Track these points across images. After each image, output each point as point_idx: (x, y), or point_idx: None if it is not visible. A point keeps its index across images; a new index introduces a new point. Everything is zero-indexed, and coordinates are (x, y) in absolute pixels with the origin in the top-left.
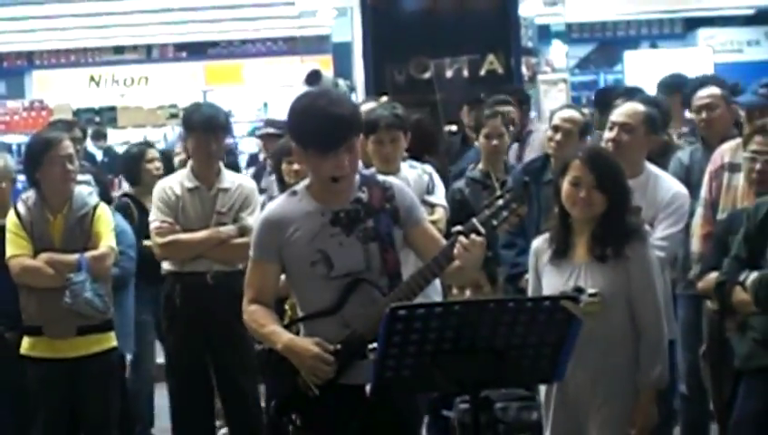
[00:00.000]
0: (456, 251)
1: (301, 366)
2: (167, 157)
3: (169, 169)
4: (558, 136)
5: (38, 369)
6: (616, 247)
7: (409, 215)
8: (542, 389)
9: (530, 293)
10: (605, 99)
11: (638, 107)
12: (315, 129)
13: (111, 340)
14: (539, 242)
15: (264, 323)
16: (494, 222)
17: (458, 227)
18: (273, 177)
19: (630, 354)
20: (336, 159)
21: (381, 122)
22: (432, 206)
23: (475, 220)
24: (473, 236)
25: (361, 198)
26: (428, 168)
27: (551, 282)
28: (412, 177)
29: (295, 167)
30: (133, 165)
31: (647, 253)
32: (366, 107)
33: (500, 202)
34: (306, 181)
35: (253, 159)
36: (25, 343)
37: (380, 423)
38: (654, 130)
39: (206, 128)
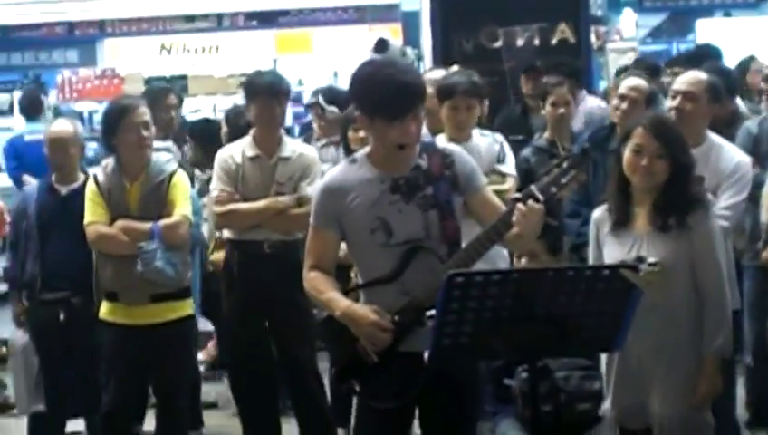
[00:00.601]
0: (514, 218)
1: (359, 333)
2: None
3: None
4: (624, 105)
5: (113, 334)
6: (678, 217)
7: (469, 182)
8: (604, 358)
9: (591, 263)
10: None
11: (701, 75)
12: (383, 96)
13: (187, 307)
14: (599, 212)
15: (324, 290)
16: (554, 189)
17: (516, 195)
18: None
19: (694, 325)
20: (403, 126)
21: (459, 88)
22: (503, 175)
23: (533, 187)
24: (530, 202)
25: (421, 165)
26: (499, 136)
27: (612, 252)
28: (483, 145)
29: (362, 134)
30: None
31: (710, 222)
32: (432, 75)
33: (558, 169)
34: (366, 149)
35: (304, 128)
36: (103, 307)
37: (440, 391)
38: (717, 99)
39: (270, 93)
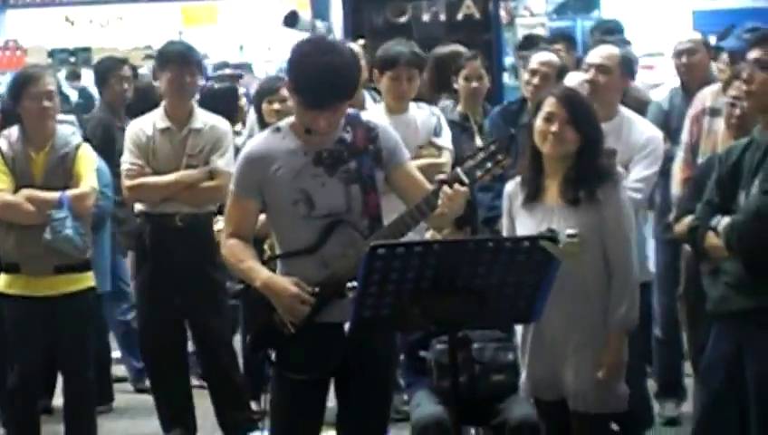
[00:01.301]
0: (439, 200)
1: (278, 304)
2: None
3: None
4: (535, 80)
5: (15, 307)
6: (588, 190)
7: (392, 156)
8: (519, 330)
9: (504, 233)
10: None
11: (614, 49)
12: (308, 83)
13: (89, 280)
14: (511, 186)
15: (243, 259)
16: (479, 173)
17: (441, 176)
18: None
19: (604, 298)
20: (316, 116)
21: (401, 59)
22: (439, 148)
23: (459, 170)
24: (456, 186)
25: (345, 138)
26: (436, 110)
27: (524, 225)
28: (421, 118)
29: (275, 106)
30: None
31: (619, 195)
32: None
33: (484, 153)
34: (290, 119)
35: None
36: (2, 280)
37: (356, 362)
38: (629, 73)
39: (181, 61)
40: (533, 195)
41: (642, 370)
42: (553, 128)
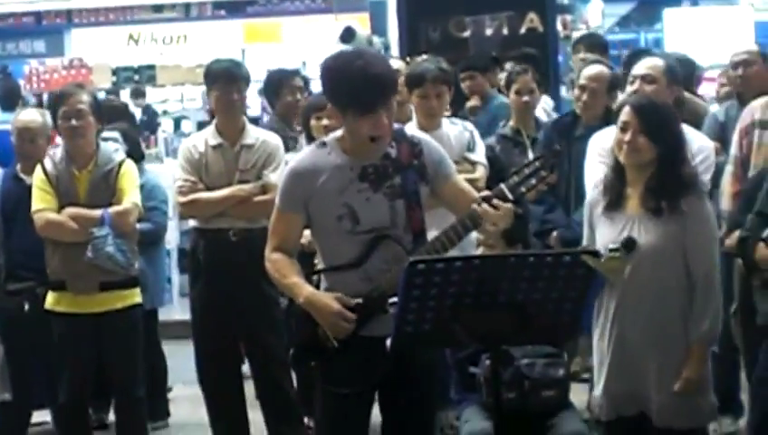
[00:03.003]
0: (483, 215)
1: (321, 321)
2: None
3: None
4: (585, 96)
5: (63, 324)
6: (670, 201)
7: (438, 170)
8: (595, 345)
9: (584, 241)
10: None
11: (658, 60)
12: (354, 90)
13: (135, 296)
14: (594, 194)
15: (287, 274)
16: (523, 189)
17: (486, 193)
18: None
19: (685, 311)
20: (374, 119)
21: (428, 76)
22: (473, 163)
23: (503, 186)
24: (498, 202)
25: (390, 153)
26: (469, 125)
27: (604, 233)
28: (453, 133)
29: (324, 122)
30: None
31: (704, 207)
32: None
33: (529, 169)
34: (337, 134)
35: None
36: (50, 298)
37: (400, 376)
38: (675, 81)
39: (226, 79)
40: (615, 203)
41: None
42: (627, 137)
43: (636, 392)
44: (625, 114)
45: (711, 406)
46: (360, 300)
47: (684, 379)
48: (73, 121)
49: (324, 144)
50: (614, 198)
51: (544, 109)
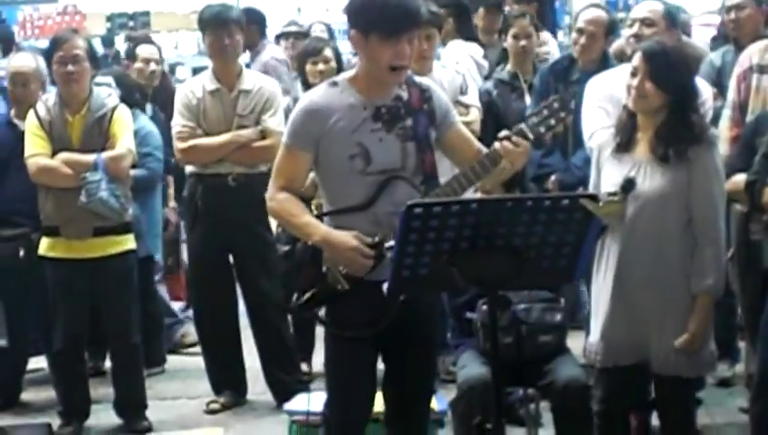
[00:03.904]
0: (503, 152)
1: (338, 259)
2: None
3: None
4: (582, 39)
5: (56, 270)
6: (678, 148)
7: (445, 117)
8: (593, 289)
9: (590, 187)
10: None
11: (657, 3)
12: (381, 13)
13: (129, 242)
14: (603, 136)
15: (297, 214)
16: (542, 129)
17: (506, 132)
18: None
19: (687, 260)
20: (398, 46)
21: None
22: (466, 106)
23: (523, 126)
24: (520, 139)
25: (402, 96)
26: (461, 67)
27: (609, 174)
28: (446, 78)
29: (320, 67)
30: None
31: (712, 158)
32: None
33: (548, 110)
34: (348, 74)
35: None
36: (44, 244)
37: (400, 321)
38: (674, 25)
39: (216, 23)
40: (624, 146)
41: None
42: (635, 83)
43: (635, 340)
44: (636, 59)
45: (711, 355)
46: (376, 238)
47: (690, 333)
48: (70, 67)
49: (336, 83)
50: (624, 141)
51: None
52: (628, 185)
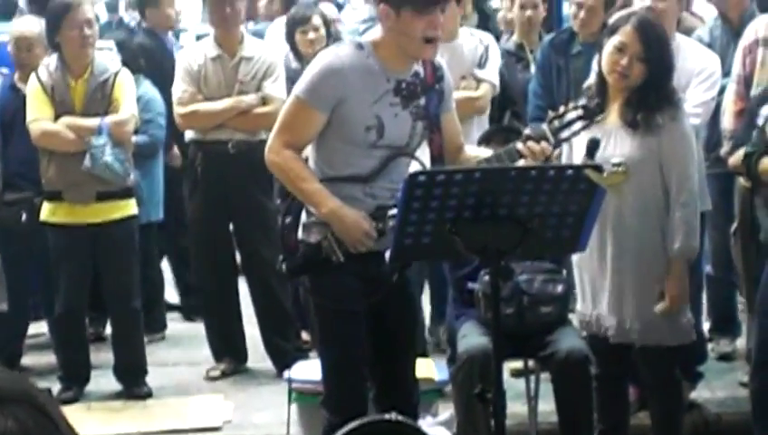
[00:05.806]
0: (526, 153)
1: (344, 235)
2: None
3: None
4: (581, 13)
5: (58, 235)
6: (647, 114)
7: (447, 100)
8: (575, 261)
9: (563, 158)
10: None
11: None
12: None
13: (131, 207)
14: None
15: (306, 178)
16: (565, 135)
17: (528, 132)
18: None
19: (664, 226)
20: (432, 17)
21: None
22: (478, 81)
23: (545, 127)
24: (543, 143)
25: (419, 71)
26: (487, 38)
27: (582, 144)
28: (468, 46)
29: (310, 36)
30: None
31: (681, 122)
32: None
33: (572, 115)
34: (373, 37)
35: None
36: (45, 209)
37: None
38: None
39: None
40: None
41: (696, 305)
42: (623, 61)
43: (616, 309)
44: (626, 35)
45: (689, 322)
46: (380, 225)
47: (668, 296)
48: (86, 30)
49: (362, 46)
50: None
51: None
52: (593, 145)
